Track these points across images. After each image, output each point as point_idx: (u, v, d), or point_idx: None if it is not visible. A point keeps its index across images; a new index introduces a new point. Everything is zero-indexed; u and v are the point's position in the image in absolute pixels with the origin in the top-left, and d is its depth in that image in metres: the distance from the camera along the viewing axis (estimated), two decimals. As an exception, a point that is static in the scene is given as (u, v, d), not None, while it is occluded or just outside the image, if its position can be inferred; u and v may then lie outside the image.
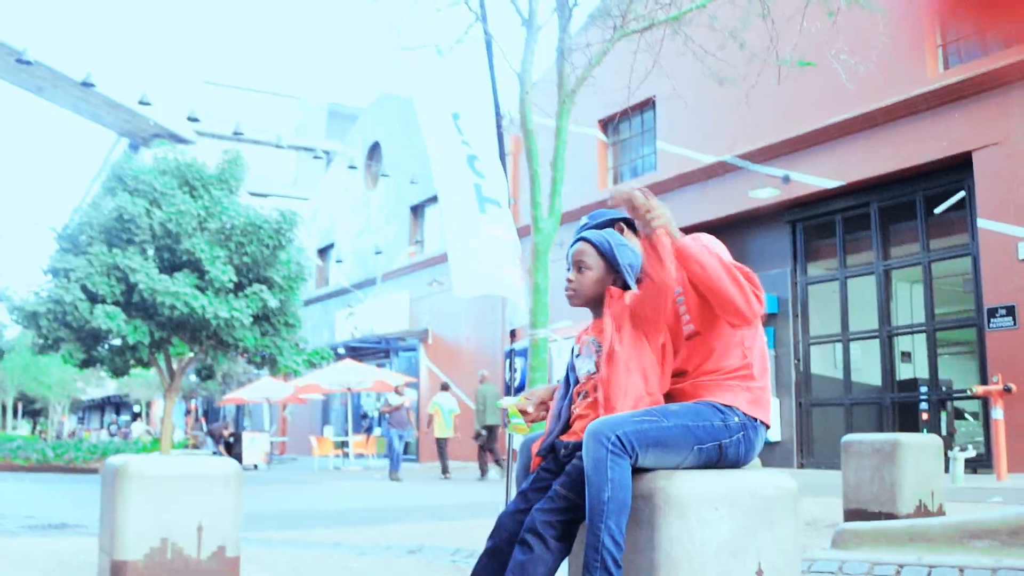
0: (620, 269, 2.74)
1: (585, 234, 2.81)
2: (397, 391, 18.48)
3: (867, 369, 14.72)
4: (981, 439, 13.39)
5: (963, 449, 10.81)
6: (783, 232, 15.76)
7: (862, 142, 13.84)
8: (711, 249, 2.60)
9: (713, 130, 16.05)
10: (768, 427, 2.73)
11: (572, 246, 2.82)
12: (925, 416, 13.37)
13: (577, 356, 2.84)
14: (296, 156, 47.56)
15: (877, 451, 5.80)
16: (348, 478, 17.48)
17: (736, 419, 2.64)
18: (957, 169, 12.87)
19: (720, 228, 16.16)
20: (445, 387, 18.48)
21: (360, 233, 30.39)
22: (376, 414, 26.40)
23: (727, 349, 2.69)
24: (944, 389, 13.60)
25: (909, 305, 13.99)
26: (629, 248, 2.80)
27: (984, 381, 11.88)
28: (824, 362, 15.37)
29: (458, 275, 5.54)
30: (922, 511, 5.74)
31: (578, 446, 2.55)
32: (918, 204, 13.70)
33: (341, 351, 26.84)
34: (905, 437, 5.87)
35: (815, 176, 14.55)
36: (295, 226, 17.11)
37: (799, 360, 15.41)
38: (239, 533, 3.77)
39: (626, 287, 2.77)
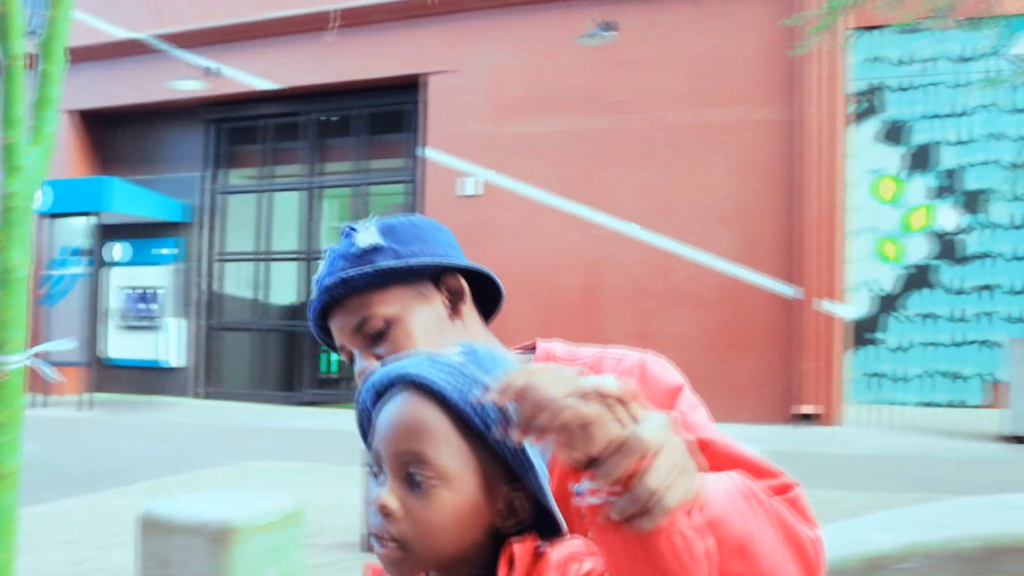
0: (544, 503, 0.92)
1: (431, 378, 0.90)
2: None
3: (286, 292, 13.70)
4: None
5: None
6: (200, 132, 13.80)
7: (308, 45, 12.48)
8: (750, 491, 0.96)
9: (131, 1, 13.22)
10: None
11: (378, 413, 0.92)
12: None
13: None
14: None
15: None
16: None
17: None
18: (407, 91, 12.32)
19: (129, 118, 13.73)
20: None
21: None
22: None
23: None
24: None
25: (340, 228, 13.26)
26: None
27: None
28: (238, 282, 13.95)
29: None
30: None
31: None
32: (360, 122, 12.89)
33: None
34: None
35: (248, 74, 12.85)
36: None
37: (210, 277, 13.77)
38: None
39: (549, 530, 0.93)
